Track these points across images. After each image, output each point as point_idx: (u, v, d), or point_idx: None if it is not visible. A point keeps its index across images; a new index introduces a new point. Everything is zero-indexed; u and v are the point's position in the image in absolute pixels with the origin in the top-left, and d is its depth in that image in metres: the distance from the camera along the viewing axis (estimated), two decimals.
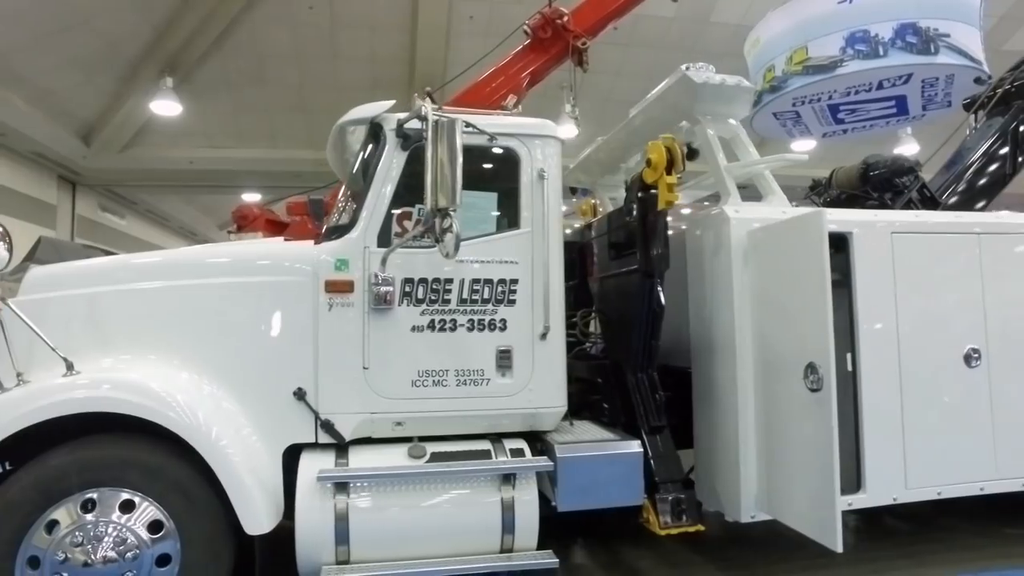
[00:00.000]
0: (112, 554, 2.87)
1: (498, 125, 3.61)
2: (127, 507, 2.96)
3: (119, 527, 2.92)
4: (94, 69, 11.01)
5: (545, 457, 3.40)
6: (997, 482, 4.00)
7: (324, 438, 3.33)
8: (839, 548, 3.06)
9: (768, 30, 8.90)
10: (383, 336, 3.40)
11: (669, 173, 3.57)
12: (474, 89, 8.86)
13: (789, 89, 8.51)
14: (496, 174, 3.68)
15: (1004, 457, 4.00)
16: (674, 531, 3.42)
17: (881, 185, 5.21)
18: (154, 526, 2.98)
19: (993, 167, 5.60)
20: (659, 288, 3.65)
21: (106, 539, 2.89)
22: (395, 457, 3.35)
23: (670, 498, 3.46)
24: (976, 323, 4.01)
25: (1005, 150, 5.62)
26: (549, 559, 3.25)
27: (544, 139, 3.69)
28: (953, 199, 5.44)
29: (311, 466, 3.22)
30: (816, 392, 3.18)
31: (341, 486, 3.19)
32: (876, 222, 3.94)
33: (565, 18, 8.71)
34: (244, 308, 3.35)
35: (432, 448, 3.41)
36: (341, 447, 3.36)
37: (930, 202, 5.32)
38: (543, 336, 3.50)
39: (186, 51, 11.50)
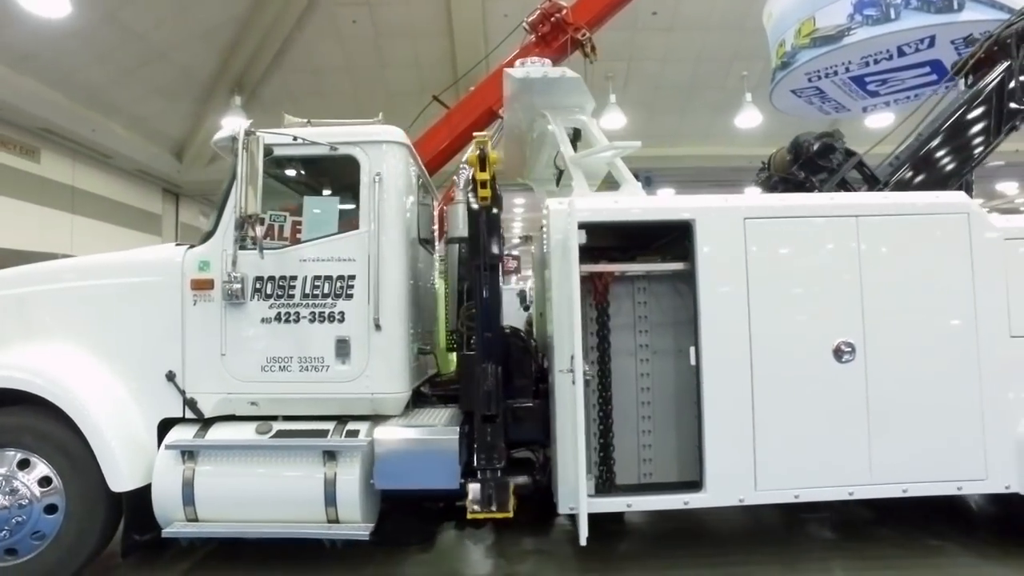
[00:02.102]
0: (6, 502, 3.61)
1: (336, 134, 3.94)
2: (24, 464, 3.69)
3: (14, 480, 3.65)
4: (175, 95, 12.67)
5: (361, 438, 3.70)
6: (870, 487, 3.69)
7: (190, 414, 3.88)
8: (582, 541, 3.09)
9: (779, 2, 8.36)
10: (237, 327, 3.87)
11: (483, 171, 3.70)
12: (480, 89, 9.19)
13: (798, 64, 7.96)
14: (339, 179, 4.01)
15: (880, 460, 3.68)
16: (481, 516, 3.57)
17: (810, 166, 4.88)
18: (44, 481, 3.69)
19: (964, 137, 4.99)
20: (486, 281, 3.78)
21: (5, 488, 3.64)
22: (245, 432, 3.82)
23: (482, 485, 3.61)
24: (851, 315, 3.70)
25: (980, 116, 4.98)
26: (359, 531, 3.57)
27: (381, 144, 3.95)
28: (910, 175, 4.92)
29: (170, 437, 3.78)
30: (575, 384, 3.20)
31: (191, 455, 3.72)
32: (725, 208, 3.76)
33: (564, 11, 8.77)
34: (127, 304, 3.97)
35: (282, 426, 3.84)
36: (207, 422, 3.89)
37: (871, 181, 4.89)
38: (377, 327, 3.80)
39: (249, 72, 12.87)
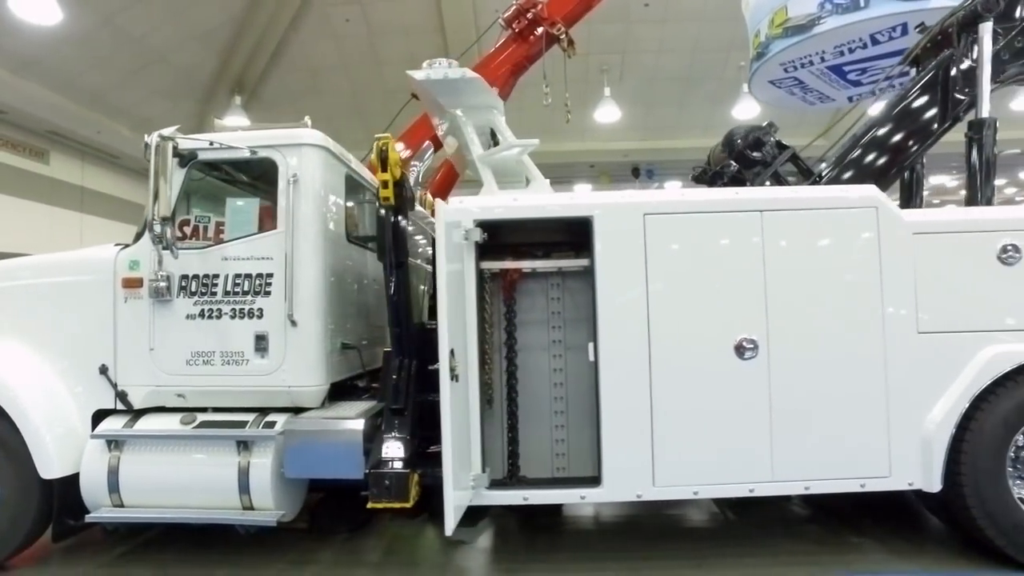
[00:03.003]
0: None
1: (254, 138, 4.08)
2: None
3: None
4: (177, 96, 13.05)
5: (272, 430, 3.86)
6: (772, 484, 3.69)
7: (121, 406, 4.10)
8: (447, 531, 3.18)
9: None
10: (165, 323, 4.06)
11: (383, 171, 3.80)
12: None
13: (771, 54, 7.86)
14: (258, 181, 4.16)
15: (782, 457, 3.68)
16: (379, 505, 3.69)
17: (743, 159, 4.85)
18: None
19: (905, 128, 4.89)
20: (392, 279, 3.88)
21: None
22: (171, 423, 4.02)
23: (382, 476, 3.74)
24: (754, 312, 3.70)
25: (922, 106, 4.88)
26: (268, 518, 3.74)
27: (298, 147, 4.09)
28: (850, 172, 4.85)
29: (99, 428, 3.99)
30: (456, 381, 3.28)
31: (117, 444, 3.93)
32: (624, 204, 3.79)
33: (539, 7, 8.82)
34: (64, 301, 4.20)
35: (206, 418, 4.03)
36: (138, 413, 4.10)
37: (806, 174, 4.84)
38: (293, 324, 3.95)
39: (248, 72, 13.18)
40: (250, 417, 4.01)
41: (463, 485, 3.38)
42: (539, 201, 3.94)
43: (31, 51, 9.89)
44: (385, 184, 3.79)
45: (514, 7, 8.82)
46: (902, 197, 5.49)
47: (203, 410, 4.08)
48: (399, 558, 4.34)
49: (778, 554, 4.03)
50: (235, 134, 4.11)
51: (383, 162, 3.81)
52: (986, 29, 4.63)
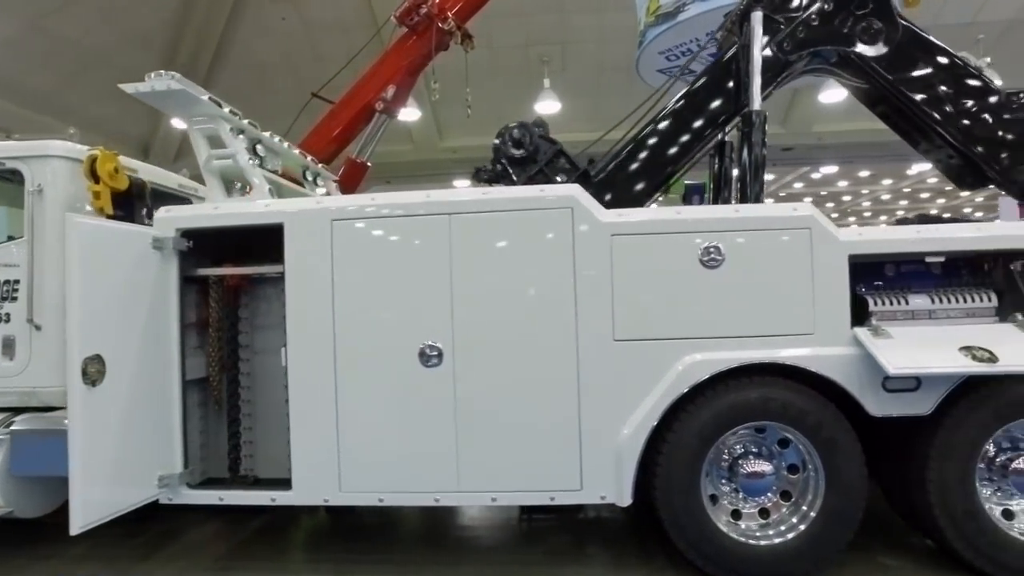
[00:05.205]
0: None
1: (3, 149, 4.18)
2: None
3: None
4: (127, 96, 13.34)
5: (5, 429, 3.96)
6: (458, 494, 3.59)
7: None
8: (72, 530, 3.20)
9: None
10: None
11: (96, 182, 3.84)
12: (357, 87, 9.32)
13: (647, 42, 7.59)
14: (7, 192, 4.27)
15: (469, 468, 3.57)
16: None
17: (508, 157, 4.69)
18: None
19: (688, 121, 4.66)
20: None
21: None
22: None
23: None
24: (439, 318, 3.58)
25: (706, 97, 4.64)
26: None
27: (43, 159, 4.15)
28: (626, 168, 4.64)
29: None
30: (94, 386, 3.29)
31: None
32: (314, 210, 3.72)
33: (430, 2, 8.74)
34: None
35: None
36: None
37: (572, 172, 4.63)
38: (36, 328, 4.04)
39: (194, 72, 13.38)
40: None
41: (95, 484, 3.36)
42: (237, 209, 3.91)
43: None
44: (96, 195, 3.87)
45: (406, 3, 8.75)
46: (712, 191, 5.26)
47: None
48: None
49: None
50: None
51: (92, 173, 3.88)
52: (757, 19, 4.38)
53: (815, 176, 25.21)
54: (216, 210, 3.88)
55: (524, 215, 3.62)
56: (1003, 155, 4.42)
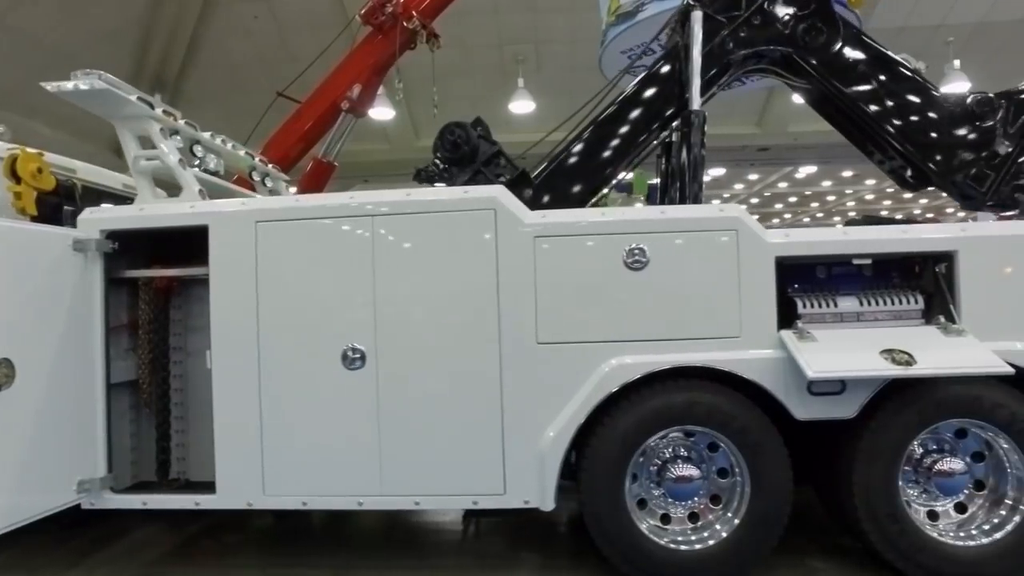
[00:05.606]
0: None
1: None
2: None
3: None
4: None
5: None
6: (381, 498, 3.55)
7: None
8: None
9: None
10: None
11: (18, 182, 3.78)
12: (322, 87, 9.26)
13: (608, 41, 7.57)
14: None
15: (391, 472, 3.53)
16: None
17: (448, 159, 4.65)
18: None
19: (630, 119, 4.64)
20: None
21: None
22: None
23: None
24: (362, 320, 3.54)
25: (649, 96, 4.62)
26: None
27: None
28: (566, 167, 4.61)
29: None
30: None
31: None
32: (238, 211, 3.67)
33: (395, 1, 8.70)
34: None
35: None
36: None
37: (511, 172, 4.58)
38: None
39: (166, 71, 13.32)
40: None
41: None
42: (162, 211, 3.86)
43: None
44: (17, 196, 3.81)
45: (371, 2, 8.70)
46: (660, 191, 5.23)
47: None
48: None
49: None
50: None
51: (13, 174, 3.82)
52: (696, 19, 4.37)
53: (799, 176, 25.33)
54: (141, 211, 3.82)
55: (447, 217, 3.58)
56: (941, 157, 4.42)
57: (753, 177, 24.96)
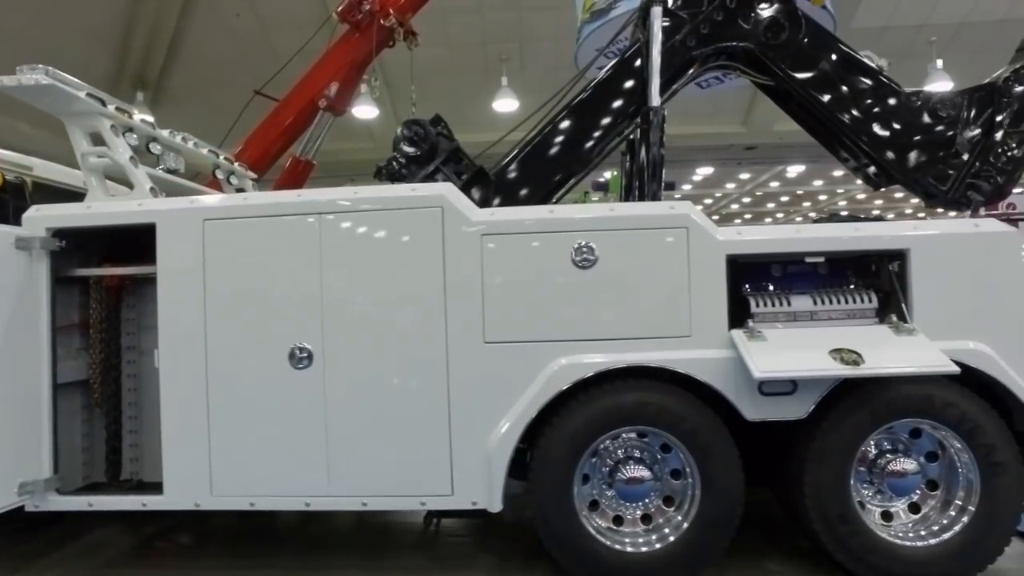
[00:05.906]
0: None
1: None
2: None
3: None
4: None
5: None
6: (328, 499, 3.51)
7: None
8: None
9: None
10: None
11: None
12: (300, 85, 9.22)
13: (583, 39, 7.53)
14: None
15: (339, 472, 3.49)
16: None
17: (406, 156, 4.59)
18: None
19: (589, 117, 4.59)
20: None
21: None
22: None
23: None
24: (309, 319, 3.49)
25: (611, 93, 4.58)
26: None
27: None
28: (526, 165, 4.55)
29: None
30: None
31: None
32: (186, 209, 3.62)
33: None
34: None
35: None
36: None
37: (469, 170, 4.52)
38: None
39: (148, 68, 13.23)
40: None
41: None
42: (109, 208, 3.81)
43: None
44: None
45: (347, 0, 8.66)
46: (624, 190, 5.20)
47: None
48: None
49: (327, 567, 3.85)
50: None
51: None
52: (656, 15, 4.33)
53: (790, 175, 25.32)
54: (88, 209, 3.77)
55: (393, 214, 3.53)
56: (903, 155, 4.39)
57: (744, 176, 24.96)
